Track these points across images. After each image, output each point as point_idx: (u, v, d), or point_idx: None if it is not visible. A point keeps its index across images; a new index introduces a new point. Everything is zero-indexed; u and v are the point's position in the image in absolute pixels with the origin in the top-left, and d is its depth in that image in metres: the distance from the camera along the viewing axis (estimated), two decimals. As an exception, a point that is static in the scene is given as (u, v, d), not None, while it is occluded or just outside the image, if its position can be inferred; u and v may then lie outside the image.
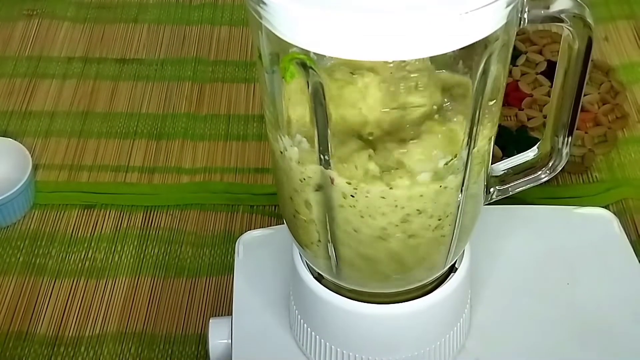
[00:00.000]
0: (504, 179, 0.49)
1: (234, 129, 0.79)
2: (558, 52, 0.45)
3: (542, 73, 0.82)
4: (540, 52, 0.84)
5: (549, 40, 0.85)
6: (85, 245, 0.70)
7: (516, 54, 0.84)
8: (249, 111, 0.81)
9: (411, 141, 0.39)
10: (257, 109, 0.81)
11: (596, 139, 0.77)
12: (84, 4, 0.93)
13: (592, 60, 0.44)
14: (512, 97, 0.80)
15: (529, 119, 0.78)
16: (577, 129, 0.77)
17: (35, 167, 0.76)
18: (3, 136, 0.76)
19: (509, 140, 0.75)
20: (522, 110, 0.78)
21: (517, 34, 0.87)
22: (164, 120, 0.81)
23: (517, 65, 0.83)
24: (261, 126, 0.79)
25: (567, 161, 0.48)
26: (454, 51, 0.36)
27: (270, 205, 0.72)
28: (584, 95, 0.44)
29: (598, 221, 0.59)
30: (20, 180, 0.70)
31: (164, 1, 0.94)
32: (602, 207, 0.61)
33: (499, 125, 0.44)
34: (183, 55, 0.87)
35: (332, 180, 0.41)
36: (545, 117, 0.76)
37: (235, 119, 0.80)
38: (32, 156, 0.72)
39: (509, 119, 0.78)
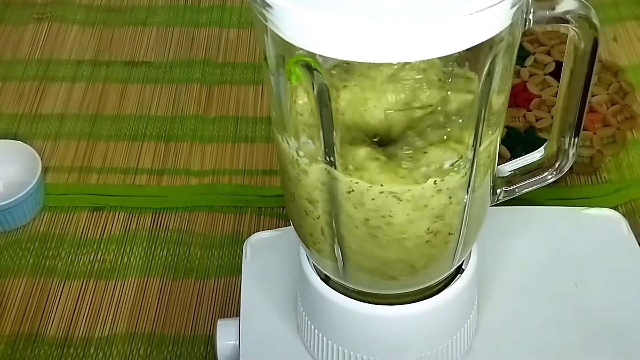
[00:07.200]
0: (510, 179, 0.49)
1: (243, 131, 0.80)
2: (565, 52, 0.45)
3: (550, 74, 0.82)
4: (548, 53, 0.84)
5: (558, 41, 0.84)
6: (95, 246, 0.70)
7: (524, 54, 0.83)
8: (257, 113, 0.81)
9: (416, 142, 0.39)
10: (266, 111, 0.81)
11: (605, 139, 0.76)
12: (93, 7, 0.94)
13: (600, 61, 0.44)
14: (521, 98, 0.79)
15: (537, 120, 0.77)
16: (585, 130, 0.77)
17: (45, 170, 0.76)
18: (13, 139, 0.76)
19: (518, 141, 0.75)
20: (531, 111, 0.78)
21: (526, 35, 0.87)
22: (173, 122, 0.81)
23: (525, 66, 0.82)
24: (269, 128, 0.80)
25: (576, 162, 0.48)
26: (459, 52, 0.36)
27: (278, 207, 0.72)
28: (593, 96, 0.44)
29: (606, 222, 0.59)
30: (30, 183, 0.70)
31: (173, 4, 0.94)
32: (611, 208, 0.61)
33: (508, 127, 0.44)
34: (191, 58, 0.87)
35: (337, 181, 0.41)
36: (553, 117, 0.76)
37: (244, 121, 0.81)
38: (41, 159, 0.73)
39: (517, 120, 0.77)
